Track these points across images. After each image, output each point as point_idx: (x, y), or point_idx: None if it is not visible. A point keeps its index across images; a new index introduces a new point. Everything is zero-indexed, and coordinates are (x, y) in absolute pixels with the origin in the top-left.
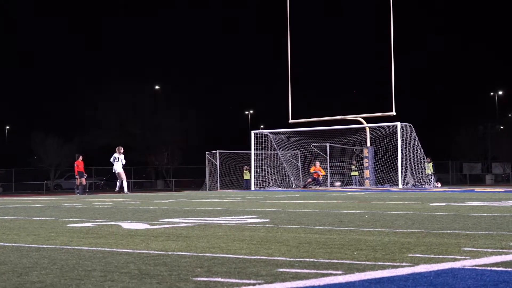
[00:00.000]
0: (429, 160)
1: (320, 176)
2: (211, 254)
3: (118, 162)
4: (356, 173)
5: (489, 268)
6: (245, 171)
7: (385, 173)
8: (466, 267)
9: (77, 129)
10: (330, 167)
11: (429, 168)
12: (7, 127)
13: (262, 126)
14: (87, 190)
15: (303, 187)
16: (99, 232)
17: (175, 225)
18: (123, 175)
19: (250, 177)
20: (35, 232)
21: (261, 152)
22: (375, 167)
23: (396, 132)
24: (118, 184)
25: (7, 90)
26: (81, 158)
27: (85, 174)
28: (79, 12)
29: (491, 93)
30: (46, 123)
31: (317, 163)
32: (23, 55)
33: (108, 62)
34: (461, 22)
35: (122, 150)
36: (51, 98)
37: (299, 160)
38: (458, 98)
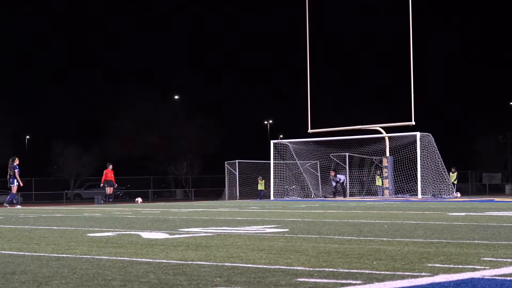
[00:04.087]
0: (454, 170)
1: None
2: (230, 264)
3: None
4: (380, 183)
5: (509, 278)
6: (259, 181)
7: (404, 182)
8: (485, 277)
9: (96, 139)
10: (349, 177)
11: (453, 178)
12: (27, 136)
13: (281, 136)
14: (111, 200)
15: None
16: (118, 241)
17: (195, 235)
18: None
19: (265, 187)
20: (55, 241)
21: (280, 162)
22: (394, 177)
23: (415, 141)
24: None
25: (27, 100)
26: (111, 167)
27: (115, 184)
28: (99, 21)
29: (511, 103)
30: (65, 133)
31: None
32: (42, 67)
33: (127, 71)
34: (480, 30)
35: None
36: (70, 107)
37: (318, 169)
38: (478, 108)
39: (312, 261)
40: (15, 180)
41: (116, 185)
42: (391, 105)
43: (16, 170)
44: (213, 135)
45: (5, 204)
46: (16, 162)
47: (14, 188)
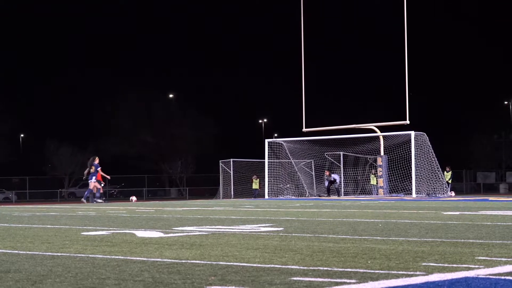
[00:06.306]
0: (448, 169)
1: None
2: (225, 263)
3: None
4: (374, 182)
5: (503, 277)
6: (254, 180)
7: (399, 182)
8: (480, 276)
9: (91, 137)
10: (344, 176)
11: (447, 177)
12: (22, 135)
13: (276, 135)
14: (103, 198)
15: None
16: (113, 240)
17: (189, 234)
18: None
19: (259, 186)
20: (49, 240)
21: (275, 160)
22: (389, 176)
23: (410, 141)
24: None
25: (22, 99)
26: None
27: (102, 182)
28: (98, 20)
29: (506, 102)
30: (60, 131)
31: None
32: (40, 66)
33: (122, 70)
34: (476, 30)
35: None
36: (65, 106)
37: (313, 168)
38: (473, 107)
39: (307, 260)
40: (94, 177)
41: (104, 183)
42: (385, 104)
43: (98, 169)
44: (208, 134)
45: (82, 200)
46: (97, 161)
47: (91, 184)
